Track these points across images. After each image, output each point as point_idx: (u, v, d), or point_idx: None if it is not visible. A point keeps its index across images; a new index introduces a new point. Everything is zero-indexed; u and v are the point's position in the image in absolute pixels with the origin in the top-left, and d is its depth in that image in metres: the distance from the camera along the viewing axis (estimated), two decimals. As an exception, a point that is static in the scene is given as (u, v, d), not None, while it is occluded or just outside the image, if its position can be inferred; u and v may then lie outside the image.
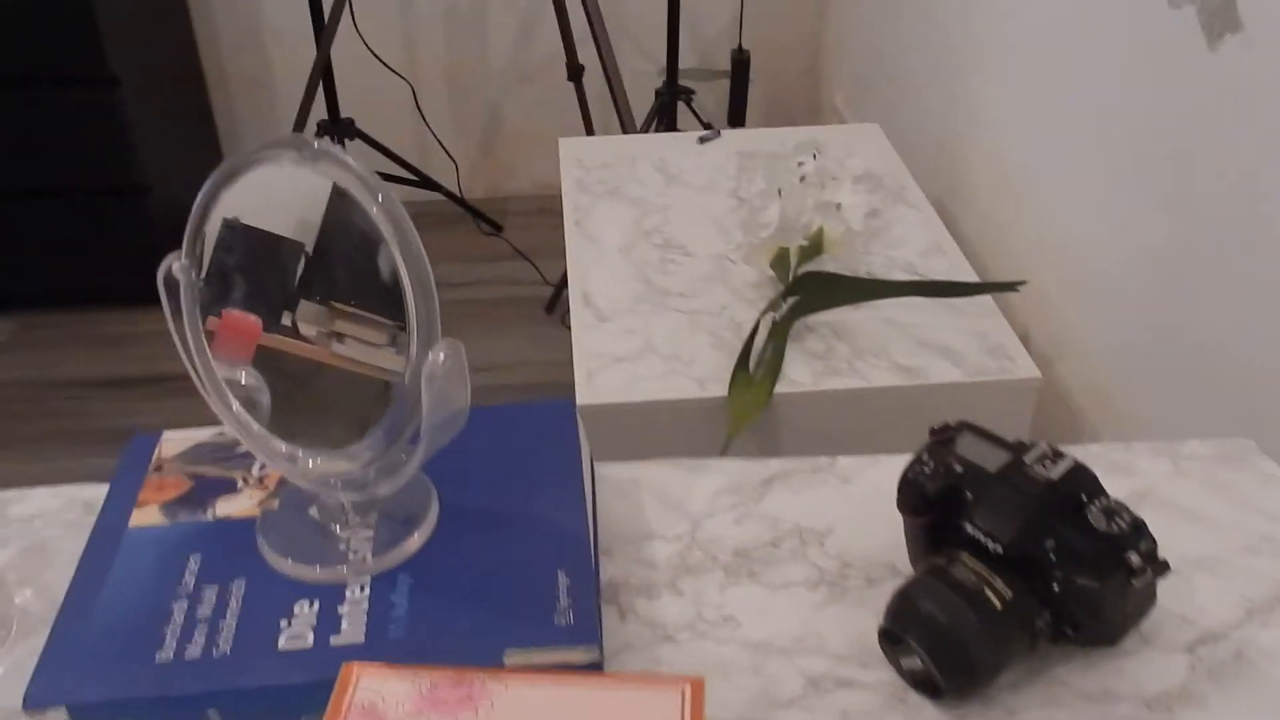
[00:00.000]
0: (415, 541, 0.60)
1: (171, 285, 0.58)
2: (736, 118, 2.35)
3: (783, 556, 0.67)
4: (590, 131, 2.13)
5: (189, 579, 0.58)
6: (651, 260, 1.31)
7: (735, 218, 1.40)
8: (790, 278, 1.21)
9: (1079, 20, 1.19)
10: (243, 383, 0.61)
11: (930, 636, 0.56)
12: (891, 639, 0.58)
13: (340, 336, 0.55)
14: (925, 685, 0.57)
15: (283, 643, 0.55)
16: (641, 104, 2.30)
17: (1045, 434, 1.29)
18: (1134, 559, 0.56)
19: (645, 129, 2.25)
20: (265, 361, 0.58)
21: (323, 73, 2.08)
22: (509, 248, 2.49)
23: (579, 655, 0.54)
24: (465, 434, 0.56)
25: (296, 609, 0.56)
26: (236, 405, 0.59)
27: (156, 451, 0.67)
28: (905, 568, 0.65)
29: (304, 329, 0.55)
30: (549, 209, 2.59)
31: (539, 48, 2.46)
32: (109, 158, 2.07)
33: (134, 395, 2.11)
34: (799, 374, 1.12)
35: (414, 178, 2.37)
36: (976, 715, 0.57)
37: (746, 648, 0.61)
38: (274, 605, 0.57)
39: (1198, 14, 0.97)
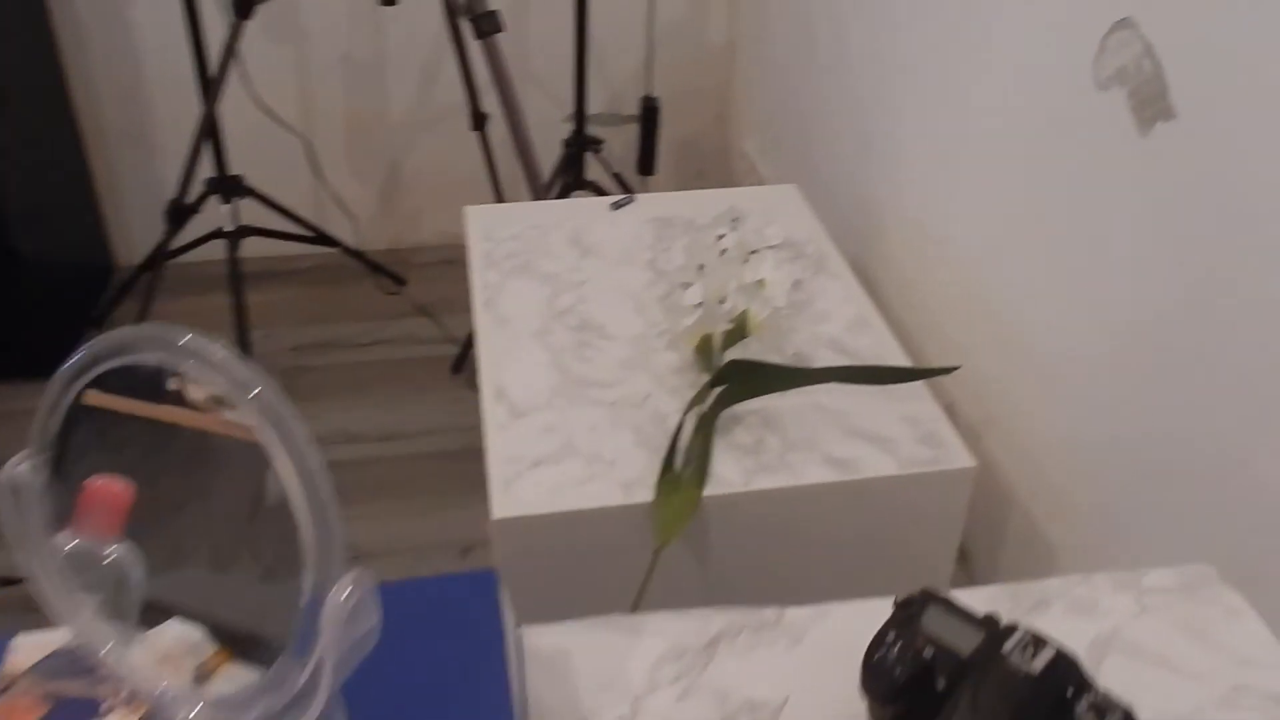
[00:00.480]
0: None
1: (17, 488, 0.50)
2: (646, 166, 2.29)
3: (733, 740, 0.61)
4: (496, 182, 2.05)
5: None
6: (568, 345, 1.24)
7: (654, 292, 1.33)
8: (715, 364, 1.16)
9: (1004, 95, 1.16)
10: (106, 562, 0.53)
11: None
12: None
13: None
14: None
15: None
16: (550, 149, 2.23)
17: (976, 514, 1.26)
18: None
19: (553, 182, 2.18)
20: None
21: (210, 128, 1.97)
22: (413, 304, 2.39)
23: None
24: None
25: None
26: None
27: (4, 663, 0.57)
28: (868, 750, 0.60)
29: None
30: (454, 260, 2.50)
31: (441, 95, 2.38)
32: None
33: None
34: (728, 472, 1.06)
35: (309, 233, 2.26)
36: None
37: None
38: None
39: (1127, 98, 0.94)
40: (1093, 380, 1.04)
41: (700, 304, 1.16)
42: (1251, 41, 0.79)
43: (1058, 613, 0.53)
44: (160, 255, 2.03)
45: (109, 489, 0.53)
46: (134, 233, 2.40)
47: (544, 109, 2.40)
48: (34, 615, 0.55)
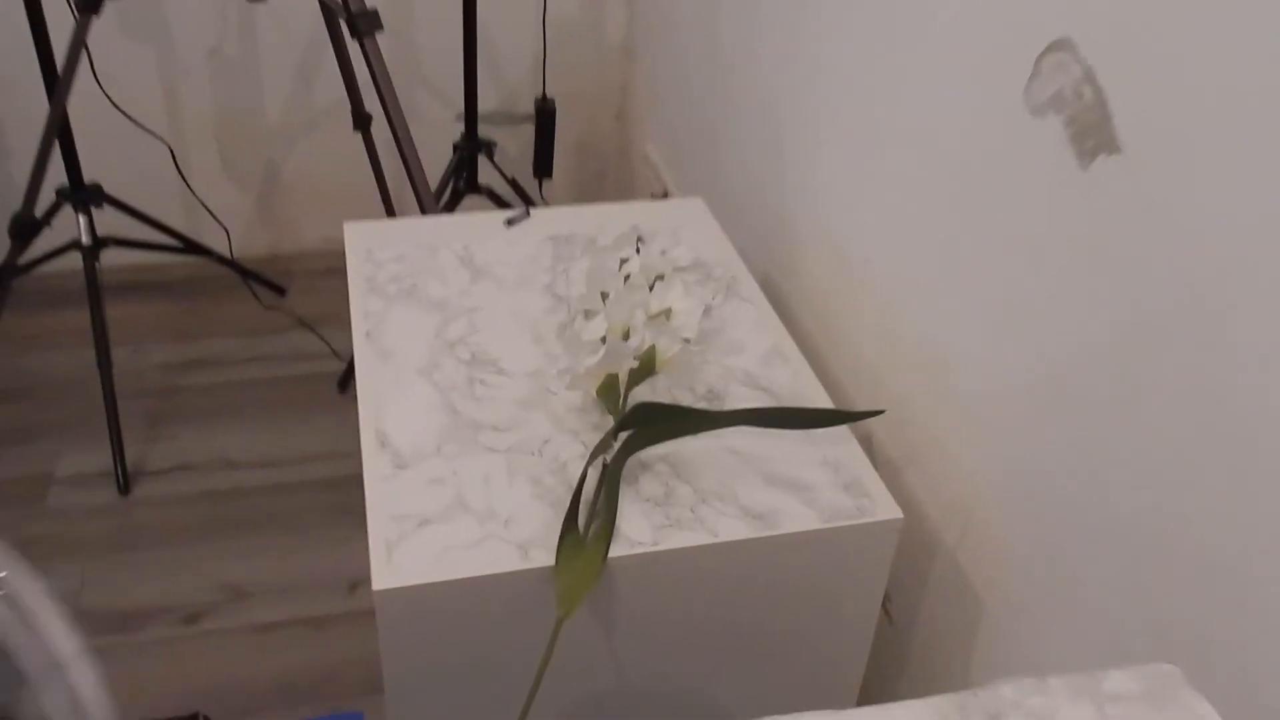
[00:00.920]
0: None
1: None
2: (543, 167, 2.18)
3: None
4: (383, 184, 1.91)
5: None
6: (458, 383, 1.13)
7: (553, 320, 1.23)
8: (620, 406, 1.06)
9: (931, 105, 1.08)
10: None
11: None
12: None
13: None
14: None
15: None
16: (440, 153, 2.10)
17: (899, 559, 1.18)
18: None
19: (444, 187, 2.06)
20: None
21: (59, 132, 1.79)
22: (294, 316, 2.24)
23: None
24: None
25: None
26: None
27: None
28: None
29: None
30: (339, 268, 2.35)
31: (321, 95, 2.22)
32: None
33: None
34: (637, 529, 0.97)
35: (177, 243, 2.09)
36: None
37: None
38: None
39: (1064, 127, 0.87)
40: (1024, 418, 0.97)
41: (604, 339, 1.06)
42: (1207, 69, 0.72)
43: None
44: (7, 271, 1.84)
45: None
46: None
47: (435, 111, 2.27)
48: None
